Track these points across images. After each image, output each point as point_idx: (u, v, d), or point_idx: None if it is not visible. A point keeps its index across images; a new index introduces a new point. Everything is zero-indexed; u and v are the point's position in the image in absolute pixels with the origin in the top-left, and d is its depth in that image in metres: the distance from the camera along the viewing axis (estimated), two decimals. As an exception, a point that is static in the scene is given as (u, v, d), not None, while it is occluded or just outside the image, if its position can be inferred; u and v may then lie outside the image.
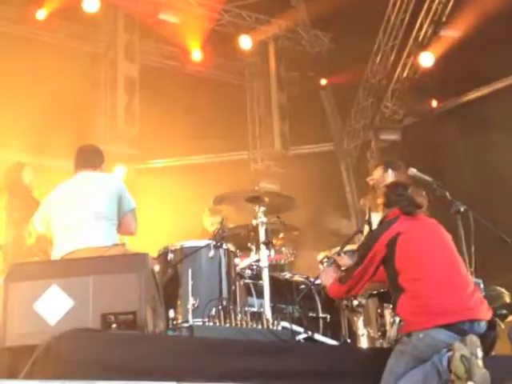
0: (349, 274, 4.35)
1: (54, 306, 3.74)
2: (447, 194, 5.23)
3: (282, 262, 5.72)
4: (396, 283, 4.12)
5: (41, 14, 9.80)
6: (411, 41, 10.37)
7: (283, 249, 5.82)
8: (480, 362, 3.68)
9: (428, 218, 4.53)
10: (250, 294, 5.08)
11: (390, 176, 5.70)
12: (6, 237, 6.31)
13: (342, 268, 4.75)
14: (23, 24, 9.92)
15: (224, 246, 4.94)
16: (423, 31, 10.16)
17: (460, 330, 3.85)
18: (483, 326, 3.95)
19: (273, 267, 5.36)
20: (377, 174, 5.86)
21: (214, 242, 4.88)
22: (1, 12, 9.83)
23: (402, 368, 3.92)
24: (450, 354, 3.72)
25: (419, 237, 4.22)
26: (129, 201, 4.96)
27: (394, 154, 10.26)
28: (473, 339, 3.74)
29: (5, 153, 8.56)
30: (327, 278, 4.69)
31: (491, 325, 4.00)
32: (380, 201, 4.53)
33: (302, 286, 5.29)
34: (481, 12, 9.20)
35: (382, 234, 4.23)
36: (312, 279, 5.24)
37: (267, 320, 4.67)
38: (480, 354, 3.70)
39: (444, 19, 9.93)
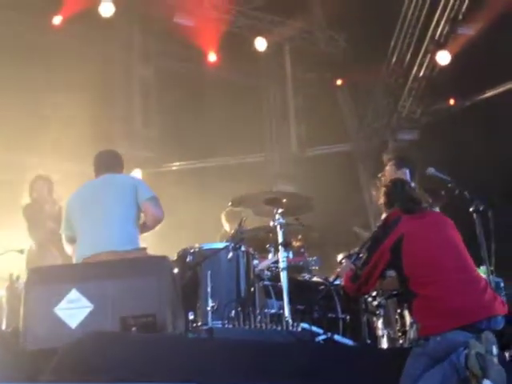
0: (358, 275, 4.34)
1: (75, 309, 3.76)
2: (466, 192, 5.19)
3: (301, 263, 5.71)
4: (407, 288, 4.11)
5: (57, 20, 9.87)
6: (428, 39, 10.30)
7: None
8: (495, 359, 3.65)
9: (433, 213, 4.48)
10: (268, 295, 5.07)
11: (407, 175, 5.66)
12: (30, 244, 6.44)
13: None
14: (39, 30, 9.98)
15: (242, 248, 4.93)
16: (440, 29, 10.10)
17: (477, 329, 3.82)
18: (500, 321, 3.92)
19: (291, 269, 5.35)
20: (390, 170, 5.81)
21: (232, 244, 4.87)
22: (16, 21, 9.89)
23: (419, 370, 3.89)
24: (466, 351, 3.70)
25: (424, 238, 4.15)
26: (146, 189, 4.96)
27: (411, 153, 10.19)
28: (488, 336, 3.72)
29: (23, 157, 8.65)
30: (344, 270, 4.69)
31: (509, 319, 3.96)
32: (381, 201, 4.50)
33: (322, 287, 5.27)
34: (497, 9, 9.13)
35: (386, 238, 4.19)
36: (331, 280, 5.22)
37: (286, 321, 4.66)
38: (495, 350, 3.68)
39: (461, 17, 9.86)
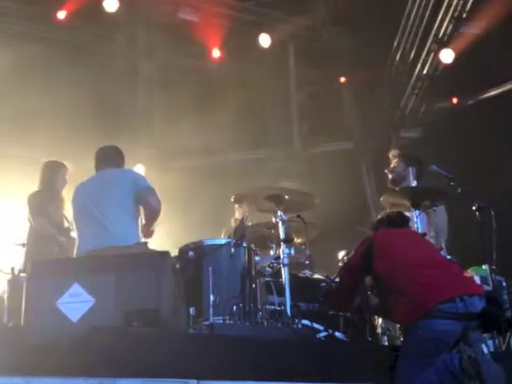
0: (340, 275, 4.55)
1: (76, 303, 3.77)
2: (469, 190, 5.19)
3: (303, 260, 5.71)
4: (380, 285, 4.20)
5: (61, 14, 9.87)
6: (431, 37, 10.27)
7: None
8: (488, 357, 3.64)
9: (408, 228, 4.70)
10: (270, 291, 5.08)
11: (411, 173, 5.67)
12: (28, 236, 6.36)
13: None
14: (42, 24, 9.98)
15: (244, 244, 4.94)
16: (443, 28, 10.06)
17: (454, 314, 3.79)
18: (477, 301, 3.87)
19: (293, 265, 5.35)
20: (399, 166, 5.85)
21: (234, 240, 4.88)
22: (20, 12, 9.89)
23: (413, 368, 3.87)
24: (459, 355, 3.71)
25: (393, 240, 4.32)
26: (142, 180, 5.00)
27: (414, 151, 10.17)
28: (474, 336, 3.72)
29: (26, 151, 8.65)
30: None
31: (490, 300, 3.93)
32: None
33: (323, 284, 5.28)
34: (502, 8, 9.11)
35: (359, 246, 4.37)
36: (332, 277, 5.23)
37: (288, 318, 4.67)
38: (486, 348, 3.67)
39: (465, 15, 9.83)
